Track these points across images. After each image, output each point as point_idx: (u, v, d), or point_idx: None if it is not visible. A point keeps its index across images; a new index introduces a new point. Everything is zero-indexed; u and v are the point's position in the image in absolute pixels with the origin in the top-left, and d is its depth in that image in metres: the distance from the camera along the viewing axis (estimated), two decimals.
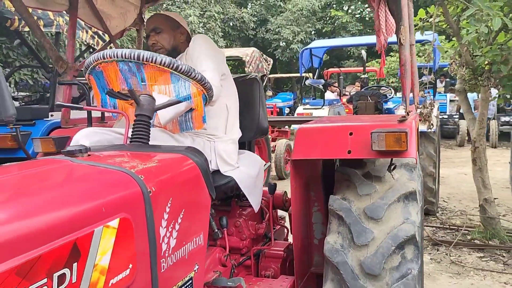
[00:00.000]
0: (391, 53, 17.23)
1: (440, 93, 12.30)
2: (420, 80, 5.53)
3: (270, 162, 7.08)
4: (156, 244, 1.33)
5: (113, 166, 1.33)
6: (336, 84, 9.34)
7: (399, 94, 9.24)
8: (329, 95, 7.94)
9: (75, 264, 1.01)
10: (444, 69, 10.90)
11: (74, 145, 1.77)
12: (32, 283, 0.90)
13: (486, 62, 4.56)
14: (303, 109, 6.92)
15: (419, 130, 5.44)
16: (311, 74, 9.34)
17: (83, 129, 1.94)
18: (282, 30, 21.24)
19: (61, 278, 0.97)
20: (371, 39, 9.84)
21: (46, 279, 0.94)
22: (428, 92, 5.45)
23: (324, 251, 1.97)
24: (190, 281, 1.56)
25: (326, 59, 10.40)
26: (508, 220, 5.96)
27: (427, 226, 5.79)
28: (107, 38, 3.41)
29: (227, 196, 2.32)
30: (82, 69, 1.92)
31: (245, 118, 2.40)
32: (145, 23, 2.27)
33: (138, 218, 1.26)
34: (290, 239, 2.69)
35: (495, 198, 5.50)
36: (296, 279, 2.24)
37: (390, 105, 7.83)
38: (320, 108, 6.63)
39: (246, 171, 2.24)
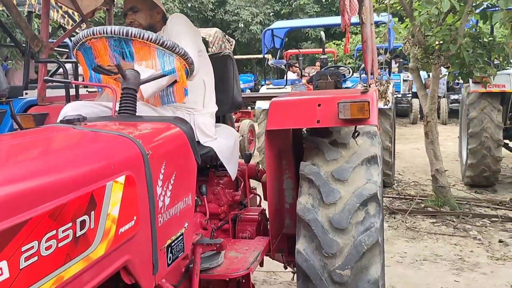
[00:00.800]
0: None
1: (394, 73, 12.82)
2: (378, 58, 5.84)
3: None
4: (154, 201, 1.49)
5: (114, 132, 1.47)
6: (297, 65, 9.57)
7: (356, 74, 9.61)
8: (290, 76, 8.16)
9: (92, 213, 1.16)
10: (398, 49, 11.37)
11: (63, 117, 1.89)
12: (61, 226, 1.05)
13: (437, 42, 4.90)
14: (267, 88, 7.12)
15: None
16: (270, 56, 9.53)
17: (71, 103, 2.05)
18: (241, 11, 21.23)
19: (82, 224, 1.12)
20: (330, 20, 10.12)
21: (71, 223, 1.08)
22: (384, 70, 5.77)
23: (297, 211, 2.18)
24: (181, 237, 1.74)
25: (285, 41, 10.62)
26: (457, 188, 6.47)
27: (384, 197, 6.17)
28: (77, 17, 3.44)
29: (206, 166, 2.48)
30: (55, 47, 2.01)
31: (220, 93, 2.56)
32: (123, 2, 2.36)
33: (140, 176, 1.41)
34: (263, 205, 2.90)
35: (446, 170, 5.95)
36: (271, 239, 2.46)
37: (348, 84, 8.17)
38: (283, 88, 6.84)
39: (224, 142, 2.41)
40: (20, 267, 0.92)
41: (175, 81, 2.02)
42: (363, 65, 8.87)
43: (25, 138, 1.35)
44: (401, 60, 12.63)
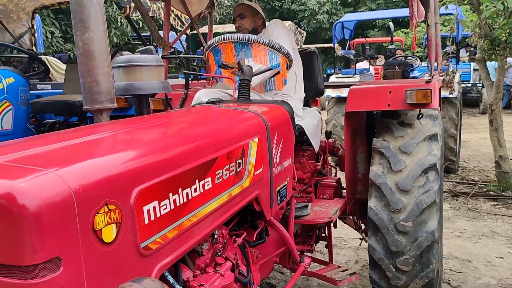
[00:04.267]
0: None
1: (464, 62, 12.73)
2: (444, 50, 6.16)
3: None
4: (272, 157, 2.15)
5: (245, 109, 2.14)
6: (381, 57, 9.84)
7: (423, 64, 9.79)
8: (365, 65, 8.50)
9: (243, 158, 1.83)
10: (466, 39, 11.31)
11: (197, 102, 2.60)
12: (231, 163, 1.72)
13: (503, 34, 5.17)
14: (336, 77, 7.61)
15: (442, 96, 6.10)
16: (337, 46, 9.95)
17: (201, 90, 2.76)
18: (308, 1, 21.56)
19: (239, 164, 1.80)
20: (398, 12, 10.35)
21: (234, 163, 1.76)
22: (451, 61, 6.07)
23: (369, 176, 2.76)
24: (285, 187, 2.39)
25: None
26: None
27: (448, 181, 6.53)
28: (183, 19, 4.17)
29: (295, 140, 3.12)
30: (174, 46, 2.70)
31: (307, 82, 3.17)
32: (233, 11, 3.03)
33: (264, 140, 2.07)
34: (338, 176, 3.50)
35: (509, 157, 6.19)
36: (347, 200, 3.06)
37: (416, 73, 8.44)
38: (352, 77, 7.31)
39: (310, 121, 3.03)
40: (215, 182, 1.60)
41: (277, 73, 2.66)
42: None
43: (193, 113, 2.05)
44: (472, 49, 12.50)
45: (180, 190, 1.39)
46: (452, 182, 6.54)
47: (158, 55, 3.52)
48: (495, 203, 5.64)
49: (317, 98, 4.12)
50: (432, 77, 2.83)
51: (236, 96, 2.56)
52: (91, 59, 1.71)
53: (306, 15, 22.19)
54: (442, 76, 5.80)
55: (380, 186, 2.70)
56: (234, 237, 1.92)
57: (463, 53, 13.20)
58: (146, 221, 1.23)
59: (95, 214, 1.06)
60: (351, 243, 4.49)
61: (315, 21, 21.77)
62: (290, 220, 2.59)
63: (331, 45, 10.16)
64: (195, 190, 1.47)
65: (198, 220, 1.49)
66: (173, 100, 3.38)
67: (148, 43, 4.29)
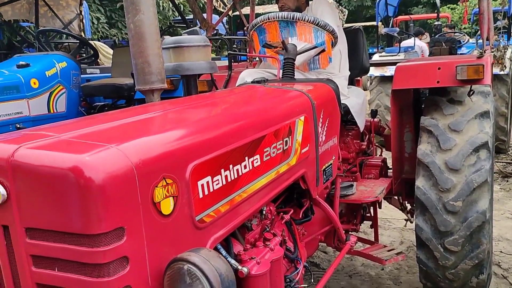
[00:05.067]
0: None
1: None
2: (495, 24, 5.86)
3: None
4: (317, 136, 2.15)
5: (291, 88, 2.14)
6: (427, 34, 9.49)
7: (472, 40, 9.36)
8: (417, 43, 8.21)
9: (290, 137, 1.84)
10: None
11: (241, 82, 2.63)
12: (278, 141, 1.74)
13: None
14: (379, 56, 7.42)
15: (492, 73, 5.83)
16: (380, 24, 9.65)
17: (246, 70, 2.78)
18: None
19: (286, 142, 1.81)
20: None
21: (281, 141, 1.77)
22: (502, 36, 5.78)
23: (417, 156, 2.70)
24: (331, 166, 2.38)
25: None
26: None
27: (498, 161, 6.29)
28: (225, 1, 4.18)
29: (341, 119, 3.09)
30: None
31: (351, 60, 3.12)
32: None
33: (310, 118, 2.06)
34: (384, 155, 3.45)
35: None
36: (393, 179, 3.02)
37: (463, 50, 8.10)
38: (396, 55, 7.10)
39: (355, 100, 2.99)
40: (264, 160, 1.63)
41: (323, 51, 2.63)
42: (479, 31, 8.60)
43: (241, 92, 2.07)
44: None
45: (231, 166, 1.42)
46: (503, 162, 6.30)
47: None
48: None
49: (359, 78, 4.05)
50: (484, 52, 2.72)
51: (281, 76, 2.56)
52: (142, 40, 1.75)
53: None
54: (492, 52, 5.54)
55: (428, 165, 2.65)
56: (281, 214, 1.95)
57: None
58: (201, 195, 1.27)
59: (154, 187, 1.11)
60: (395, 224, 4.43)
61: (356, 0, 21.23)
62: (335, 199, 2.59)
63: (374, 23, 9.89)
64: (245, 167, 1.50)
65: (248, 196, 1.52)
66: (217, 82, 3.42)
67: (191, 26, 4.33)
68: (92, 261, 1.01)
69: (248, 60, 3.82)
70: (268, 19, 2.47)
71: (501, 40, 5.47)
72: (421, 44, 8.35)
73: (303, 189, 2.08)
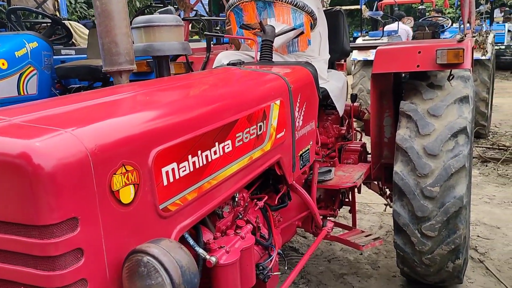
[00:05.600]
0: None
1: (498, 23, 12.13)
2: (477, 9, 5.85)
3: None
4: (294, 121, 2.09)
5: (267, 71, 2.08)
6: (411, 19, 9.43)
7: (455, 25, 9.37)
8: (402, 27, 8.16)
9: (264, 121, 1.79)
10: None
11: (218, 64, 2.55)
12: (251, 126, 1.68)
13: None
14: (362, 40, 7.37)
15: (474, 58, 5.84)
16: (364, 7, 9.56)
17: (222, 52, 2.69)
18: None
19: (260, 127, 1.75)
20: None
21: (255, 126, 1.71)
22: (484, 21, 5.77)
23: (396, 140, 2.68)
24: (308, 151, 2.34)
25: None
26: None
27: (477, 146, 6.35)
28: None
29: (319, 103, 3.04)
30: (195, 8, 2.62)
31: (332, 43, 3.05)
32: None
33: (286, 102, 2.01)
34: (363, 140, 3.43)
35: None
36: (372, 165, 3.00)
37: (447, 35, 8.09)
38: (379, 39, 7.06)
39: (335, 84, 2.94)
40: (236, 145, 1.57)
41: (301, 33, 2.56)
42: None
43: (215, 75, 2.00)
44: (507, 9, 11.88)
45: (199, 152, 1.36)
46: (482, 147, 6.36)
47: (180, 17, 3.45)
48: None
49: (342, 62, 4.00)
50: (465, 36, 2.68)
51: (258, 58, 2.49)
52: (109, 19, 1.67)
53: None
54: (474, 37, 5.54)
55: (407, 150, 2.63)
56: (255, 200, 1.90)
57: (497, 14, 12.56)
58: (165, 183, 1.21)
59: (112, 175, 1.05)
60: (375, 209, 4.45)
61: None
62: (313, 185, 2.56)
63: (358, 7, 9.80)
64: (215, 152, 1.44)
65: (218, 183, 1.47)
66: (194, 64, 3.33)
67: (169, 5, 4.20)
68: (44, 253, 0.94)
69: (229, 43, 3.73)
70: None
71: (483, 25, 5.46)
72: (406, 28, 8.32)
73: (279, 175, 2.03)
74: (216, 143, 1.45)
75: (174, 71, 3.24)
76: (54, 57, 3.86)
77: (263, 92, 1.83)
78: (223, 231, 1.57)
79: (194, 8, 4.13)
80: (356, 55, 6.99)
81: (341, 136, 3.22)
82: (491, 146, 6.37)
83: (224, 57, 2.65)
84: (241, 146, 1.61)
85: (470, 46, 2.69)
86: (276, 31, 2.53)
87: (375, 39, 7.20)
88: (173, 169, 1.24)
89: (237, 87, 1.76)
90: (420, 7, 8.81)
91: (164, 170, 1.21)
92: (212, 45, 4.38)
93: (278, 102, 1.90)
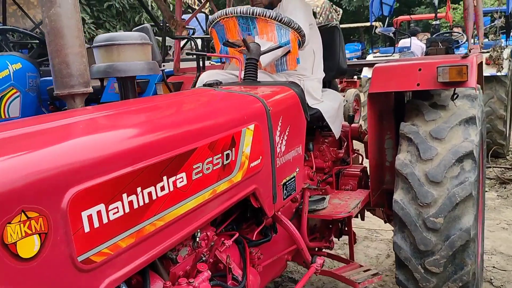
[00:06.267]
0: None
1: None
2: (493, 24, 5.59)
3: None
4: (274, 146, 1.89)
5: (244, 92, 1.89)
6: (427, 34, 9.21)
7: (472, 40, 9.06)
8: (414, 41, 7.92)
9: (233, 149, 1.59)
10: None
11: (200, 84, 2.37)
12: (215, 155, 1.48)
13: None
14: (373, 57, 7.15)
15: (489, 74, 5.55)
16: (380, 23, 9.37)
17: (206, 71, 2.52)
18: None
19: (227, 156, 1.55)
20: None
21: (220, 154, 1.51)
22: (499, 35, 5.50)
23: (395, 166, 2.44)
24: (294, 178, 2.13)
25: (395, 7, 10.31)
26: None
27: (496, 167, 6.01)
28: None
29: (313, 126, 2.83)
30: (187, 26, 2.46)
31: (327, 61, 2.86)
32: None
33: (264, 126, 1.81)
34: (364, 164, 3.18)
35: None
36: (371, 192, 2.75)
37: (462, 51, 7.80)
38: (390, 56, 6.83)
39: (329, 104, 2.73)
40: (192, 178, 1.37)
41: (289, 51, 2.37)
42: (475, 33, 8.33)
43: (181, 97, 1.82)
44: None
45: (139, 189, 1.17)
46: (501, 168, 6.01)
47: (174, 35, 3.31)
48: None
49: (356, 80, 3.79)
50: (470, 51, 2.45)
51: (242, 77, 2.31)
52: (59, 37, 1.51)
53: None
54: (488, 52, 5.26)
55: (407, 177, 2.39)
56: (222, 239, 1.69)
57: None
58: (86, 229, 1.02)
59: (6, 225, 0.86)
60: (383, 235, 4.17)
61: (356, 0, 20.91)
62: (303, 215, 2.33)
63: (373, 23, 9.58)
64: (163, 188, 1.25)
65: (167, 224, 1.27)
66: (185, 84, 3.18)
67: (161, 25, 4.09)
68: None
69: (224, 61, 3.57)
70: (226, 14, 2.22)
71: (498, 40, 5.19)
72: (421, 44, 8.07)
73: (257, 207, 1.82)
74: (165, 177, 1.26)
75: (163, 91, 3.09)
76: (47, 78, 3.76)
77: (232, 116, 1.64)
78: (177, 279, 1.36)
79: (191, 27, 3.99)
80: (366, 72, 6.76)
81: (339, 159, 3.00)
82: (510, 167, 6.01)
83: (207, 76, 2.48)
84: (201, 179, 1.41)
85: (476, 62, 2.46)
86: (263, 49, 2.35)
87: (387, 55, 6.97)
88: (98, 212, 1.05)
89: (201, 111, 1.57)
90: (434, 22, 8.56)
91: (85, 214, 1.01)
92: (211, 64, 4.23)
93: (251, 127, 1.71)
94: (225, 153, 1.54)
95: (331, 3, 9.01)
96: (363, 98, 7.14)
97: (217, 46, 2.40)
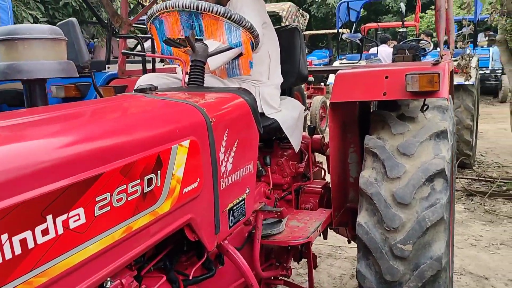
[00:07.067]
0: (432, 6, 16.54)
1: (482, 47, 11.92)
2: (461, 32, 5.49)
3: (307, 111, 7.28)
4: (217, 166, 1.58)
5: (181, 100, 1.57)
6: (393, 42, 9.14)
7: (438, 49, 9.06)
8: (384, 49, 7.79)
9: (159, 172, 1.27)
10: (486, 20, 10.51)
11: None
12: (130, 182, 1.16)
13: None
14: (340, 63, 6.97)
15: (457, 83, 5.41)
16: (347, 30, 9.23)
17: (146, 75, 2.19)
18: None
19: (150, 181, 1.23)
20: None
21: (139, 180, 1.19)
22: (467, 43, 5.40)
23: (359, 184, 2.18)
24: (243, 202, 1.82)
25: (363, 15, 10.21)
26: None
27: (462, 178, 5.90)
28: None
29: (270, 137, 2.54)
30: (134, 24, 2.15)
31: (286, 66, 2.58)
32: None
33: (203, 142, 1.50)
34: (327, 179, 2.92)
35: None
36: (333, 211, 2.48)
37: (428, 59, 7.73)
38: (357, 63, 6.66)
39: (288, 114, 2.45)
40: (95, 215, 1.05)
41: (241, 54, 2.07)
42: (445, 39, 8.31)
43: (102, 104, 1.49)
44: (491, 33, 11.68)
45: (4, 237, 0.84)
46: (467, 179, 5.90)
47: (118, 33, 2.96)
48: None
49: (322, 86, 3.53)
50: (441, 57, 2.22)
51: (187, 82, 1.99)
52: None
53: None
54: (457, 60, 5.14)
55: (372, 197, 2.13)
56: (151, 280, 1.37)
57: (482, 38, 12.36)
58: None
59: None
60: (348, 253, 3.92)
61: (325, 6, 20.89)
62: (255, 241, 2.04)
63: (341, 30, 9.44)
64: (45, 232, 0.92)
65: (52, 279, 0.94)
66: (129, 88, 2.83)
67: (106, 22, 3.73)
68: None
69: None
70: (166, 8, 1.90)
71: (466, 48, 5.08)
72: (390, 51, 7.95)
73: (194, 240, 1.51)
74: (49, 217, 0.93)
75: (104, 96, 2.73)
76: None
77: (159, 130, 1.32)
78: None
79: (141, 25, 3.64)
80: (332, 79, 6.55)
81: (299, 175, 2.72)
82: (477, 178, 5.91)
83: (145, 80, 2.15)
84: (108, 214, 1.09)
85: (448, 70, 2.23)
86: (211, 50, 2.04)
87: (353, 62, 6.80)
88: None
89: (114, 125, 1.24)
90: (401, 30, 8.49)
91: None
92: (164, 67, 3.89)
93: (186, 143, 1.39)
94: (147, 178, 1.22)
95: (298, 8, 8.82)
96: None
97: (158, 45, 2.07)
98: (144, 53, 2.13)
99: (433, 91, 2.05)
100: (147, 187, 1.22)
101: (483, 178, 5.85)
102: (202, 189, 1.48)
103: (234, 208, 1.74)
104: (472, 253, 3.82)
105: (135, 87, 2.07)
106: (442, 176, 2.09)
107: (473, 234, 4.25)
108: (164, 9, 1.90)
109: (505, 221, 4.58)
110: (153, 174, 1.24)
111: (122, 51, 2.14)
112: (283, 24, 8.11)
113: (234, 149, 1.72)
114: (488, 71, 12.51)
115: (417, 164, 2.12)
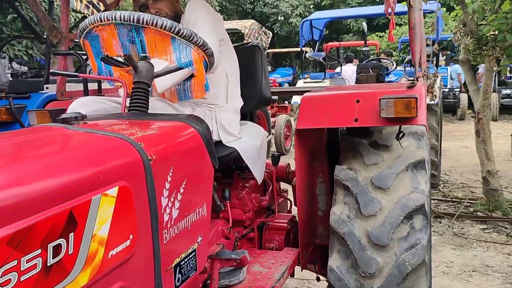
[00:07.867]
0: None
1: (441, 66, 12.17)
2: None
3: (271, 135, 7.05)
4: (158, 215, 1.27)
5: (111, 133, 1.26)
6: (356, 61, 9.12)
7: (400, 68, 9.11)
8: (350, 68, 7.72)
9: (71, 234, 0.95)
10: (445, 41, 10.74)
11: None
12: (25, 254, 0.84)
13: (491, 31, 4.44)
14: (304, 82, 6.81)
15: None
16: (310, 49, 9.16)
17: (80, 98, 1.86)
18: (280, 3, 20.88)
19: (57, 249, 0.91)
20: (372, 9, 9.64)
21: (40, 250, 0.87)
22: (432, 63, 5.35)
23: (330, 222, 1.92)
24: (194, 253, 1.51)
25: (325, 33, 10.22)
26: (511, 192, 5.94)
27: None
28: (102, 7, 3.28)
29: (229, 168, 2.25)
30: (77, 39, 1.83)
31: (247, 87, 2.31)
32: None
33: (139, 186, 1.19)
34: (294, 211, 2.64)
35: (497, 171, 5.46)
36: (301, 251, 2.20)
37: (391, 77, 7.72)
38: (321, 82, 6.51)
39: (249, 142, 2.17)
40: None
41: (193, 75, 1.79)
42: (407, 58, 8.40)
43: (7, 140, 1.15)
44: (448, 52, 11.95)
45: None
46: (434, 200, 5.78)
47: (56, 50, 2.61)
48: (484, 226, 4.89)
49: (287, 105, 3.27)
50: (417, 80, 2.01)
51: (127, 107, 1.68)
52: None
53: (279, 18, 21.47)
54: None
55: (345, 238, 1.86)
56: None
57: (440, 57, 12.65)
58: None
59: None
60: (317, 285, 3.63)
61: (287, 25, 21.02)
62: None
63: (305, 49, 9.36)
64: None
65: None
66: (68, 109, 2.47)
67: (44, 37, 3.35)
68: None
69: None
70: (100, 20, 1.59)
71: (430, 67, 5.00)
72: (355, 69, 7.90)
73: None
74: None
75: (37, 121, 2.36)
76: None
77: (74, 177, 1.00)
78: None
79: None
80: (297, 99, 6.38)
81: (263, 208, 2.43)
82: (443, 199, 5.81)
83: (79, 105, 1.82)
84: None
85: (424, 94, 2.02)
86: (157, 70, 1.74)
87: (317, 81, 6.65)
88: None
89: (9, 174, 0.91)
90: (363, 49, 8.47)
91: None
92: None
93: (113, 191, 1.08)
94: (51, 245, 0.90)
95: (261, 26, 8.67)
96: (294, 124, 6.74)
97: (93, 63, 1.75)
98: (77, 73, 1.80)
99: (410, 117, 1.82)
100: (52, 258, 0.90)
101: (450, 199, 5.75)
102: (136, 248, 1.16)
103: (182, 263, 1.43)
104: (445, 282, 3.62)
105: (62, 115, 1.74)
106: (422, 212, 1.85)
107: (444, 260, 4.07)
108: (98, 22, 1.59)
109: (475, 245, 4.44)
110: (62, 239, 0.92)
111: (51, 71, 1.80)
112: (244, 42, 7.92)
113: (181, 191, 1.41)
114: (447, 90, 12.77)
115: (394, 199, 1.88)
